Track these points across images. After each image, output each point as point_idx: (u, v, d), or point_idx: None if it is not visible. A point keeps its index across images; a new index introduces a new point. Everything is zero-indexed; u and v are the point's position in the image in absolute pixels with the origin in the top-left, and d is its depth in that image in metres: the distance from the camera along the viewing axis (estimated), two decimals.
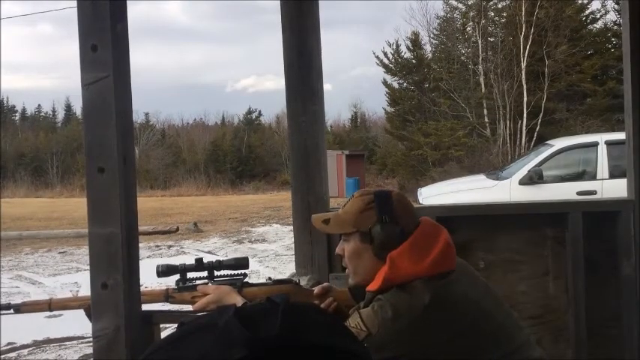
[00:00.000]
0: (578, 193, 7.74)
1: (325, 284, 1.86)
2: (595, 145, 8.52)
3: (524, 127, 19.54)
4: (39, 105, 46.81)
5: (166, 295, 1.79)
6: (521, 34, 19.47)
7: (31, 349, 5.75)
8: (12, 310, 1.78)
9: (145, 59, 54.28)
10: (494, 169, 12.56)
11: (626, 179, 2.59)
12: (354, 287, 1.66)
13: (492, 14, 21.56)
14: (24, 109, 46.21)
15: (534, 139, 18.92)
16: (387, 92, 24.60)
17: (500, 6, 21.36)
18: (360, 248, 1.57)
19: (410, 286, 1.48)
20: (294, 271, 2.70)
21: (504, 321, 1.55)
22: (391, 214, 1.53)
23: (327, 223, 1.63)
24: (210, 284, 1.77)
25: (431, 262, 1.49)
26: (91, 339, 1.61)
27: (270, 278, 1.86)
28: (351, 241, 1.58)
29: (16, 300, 2.05)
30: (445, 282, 1.50)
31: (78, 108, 37.64)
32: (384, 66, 23.66)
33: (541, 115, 19.35)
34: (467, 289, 1.53)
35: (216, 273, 1.79)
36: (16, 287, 8.46)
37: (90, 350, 4.70)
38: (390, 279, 1.49)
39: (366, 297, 1.56)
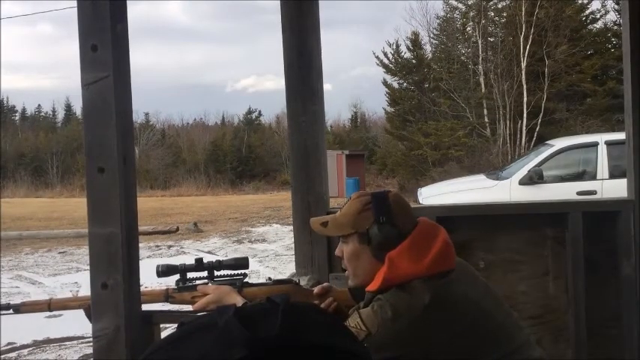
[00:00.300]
0: (578, 193, 7.74)
1: (325, 284, 1.86)
2: (595, 145, 8.52)
3: (524, 127, 19.54)
4: (39, 105, 46.86)
5: (166, 295, 1.79)
6: (521, 34, 19.47)
7: (31, 349, 5.75)
8: (11, 310, 1.78)
9: (145, 59, 54.32)
10: (494, 169, 12.56)
11: (626, 179, 2.59)
12: (354, 289, 1.66)
13: (492, 14, 21.57)
14: (24, 109, 46.27)
15: (534, 139, 18.92)
16: (387, 92, 24.63)
17: (500, 6, 21.38)
18: (358, 249, 1.57)
19: (409, 286, 1.48)
20: (294, 271, 2.70)
21: (504, 321, 1.55)
22: (388, 214, 1.54)
23: (326, 225, 1.64)
24: (210, 284, 1.77)
25: (430, 261, 1.50)
26: (91, 339, 1.61)
27: (270, 278, 1.87)
28: (350, 242, 1.59)
29: (16, 300, 2.04)
30: (445, 282, 1.50)
31: (78, 108, 37.68)
32: (384, 66, 23.68)
33: (541, 115, 19.35)
34: (467, 289, 1.53)
35: (216, 273, 1.79)
36: (16, 287, 8.46)
37: (90, 350, 4.71)
38: (389, 279, 1.49)
39: (366, 297, 1.56)
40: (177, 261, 1.83)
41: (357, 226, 1.57)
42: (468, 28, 22.06)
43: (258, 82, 67.43)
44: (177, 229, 13.81)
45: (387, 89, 24.51)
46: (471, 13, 21.65)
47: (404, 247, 1.51)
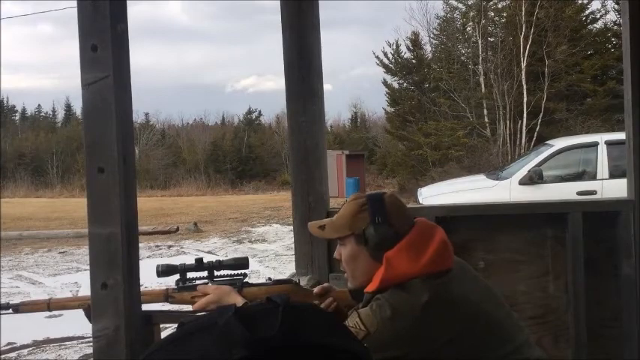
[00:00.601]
0: (578, 193, 7.74)
1: (325, 284, 1.86)
2: (595, 145, 8.52)
3: (524, 127, 19.54)
4: (39, 105, 46.93)
5: (166, 295, 1.79)
6: (521, 34, 19.46)
7: (31, 349, 5.75)
8: (11, 310, 1.78)
9: (145, 59, 54.39)
10: (494, 169, 12.56)
11: (626, 179, 2.59)
12: (354, 291, 1.66)
13: (492, 14, 21.56)
14: (24, 109, 46.32)
15: (534, 139, 18.91)
16: (387, 92, 24.63)
17: (500, 6, 21.37)
18: (356, 251, 1.58)
19: (408, 286, 1.48)
20: (294, 271, 2.70)
21: (504, 321, 1.55)
22: (384, 214, 1.55)
23: (323, 228, 1.66)
24: (210, 284, 1.77)
25: (427, 260, 1.50)
26: (91, 339, 1.61)
27: (270, 278, 1.87)
28: (347, 244, 1.60)
29: (16, 300, 2.04)
30: (444, 281, 1.50)
31: (78, 108, 37.73)
32: (384, 66, 23.68)
33: (541, 115, 19.34)
34: (467, 289, 1.53)
35: (216, 273, 1.79)
36: (16, 287, 8.46)
37: (90, 350, 4.71)
38: (386, 279, 1.50)
39: (365, 298, 1.57)
40: (177, 261, 1.83)
41: (353, 228, 1.58)
42: (468, 28, 22.07)
43: (258, 82, 67.57)
44: (177, 229, 13.81)
45: (387, 89, 24.52)
46: (471, 13, 21.64)
47: (401, 247, 1.52)
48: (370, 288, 1.53)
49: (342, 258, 1.62)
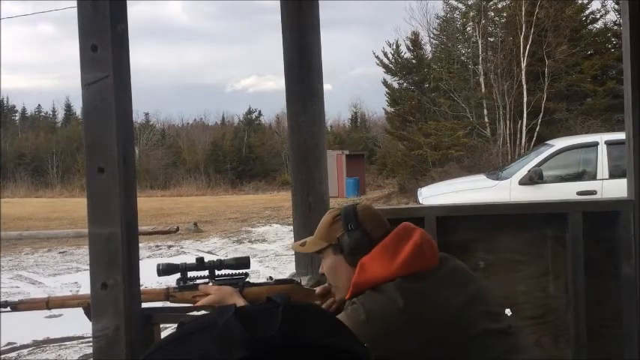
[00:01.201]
0: (578, 193, 7.74)
1: (327, 284, 1.86)
2: (595, 145, 8.52)
3: (524, 127, 19.53)
4: (39, 105, 47.03)
5: (167, 295, 1.79)
6: (521, 34, 19.46)
7: (31, 349, 5.75)
8: (9, 308, 1.78)
9: (145, 59, 54.43)
10: (494, 169, 12.55)
11: (626, 179, 2.59)
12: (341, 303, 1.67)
13: (492, 14, 21.55)
14: (24, 109, 46.40)
15: (534, 139, 18.89)
16: (387, 92, 24.63)
17: (500, 6, 21.35)
18: (335, 261, 1.61)
19: (382, 289, 1.49)
20: (294, 271, 2.70)
21: (491, 325, 1.51)
22: (357, 221, 1.58)
23: (304, 245, 1.69)
24: (211, 284, 1.77)
25: (400, 263, 1.50)
26: (91, 339, 1.61)
27: (271, 277, 1.87)
28: (327, 257, 1.63)
29: (14, 298, 2.04)
30: (422, 284, 1.49)
31: (78, 108, 37.76)
32: (384, 66, 23.67)
33: (541, 115, 19.32)
34: (451, 294, 1.50)
35: (217, 272, 1.79)
36: (16, 287, 8.46)
37: (90, 350, 4.70)
38: (358, 283, 1.52)
39: (345, 305, 1.58)
40: (177, 261, 1.83)
41: (329, 238, 1.61)
42: (468, 28, 22.06)
43: (258, 82, 67.65)
44: (177, 229, 13.81)
45: (387, 89, 24.52)
46: (471, 13, 21.63)
47: (375, 252, 1.54)
48: (348, 295, 1.55)
49: (325, 271, 1.65)
